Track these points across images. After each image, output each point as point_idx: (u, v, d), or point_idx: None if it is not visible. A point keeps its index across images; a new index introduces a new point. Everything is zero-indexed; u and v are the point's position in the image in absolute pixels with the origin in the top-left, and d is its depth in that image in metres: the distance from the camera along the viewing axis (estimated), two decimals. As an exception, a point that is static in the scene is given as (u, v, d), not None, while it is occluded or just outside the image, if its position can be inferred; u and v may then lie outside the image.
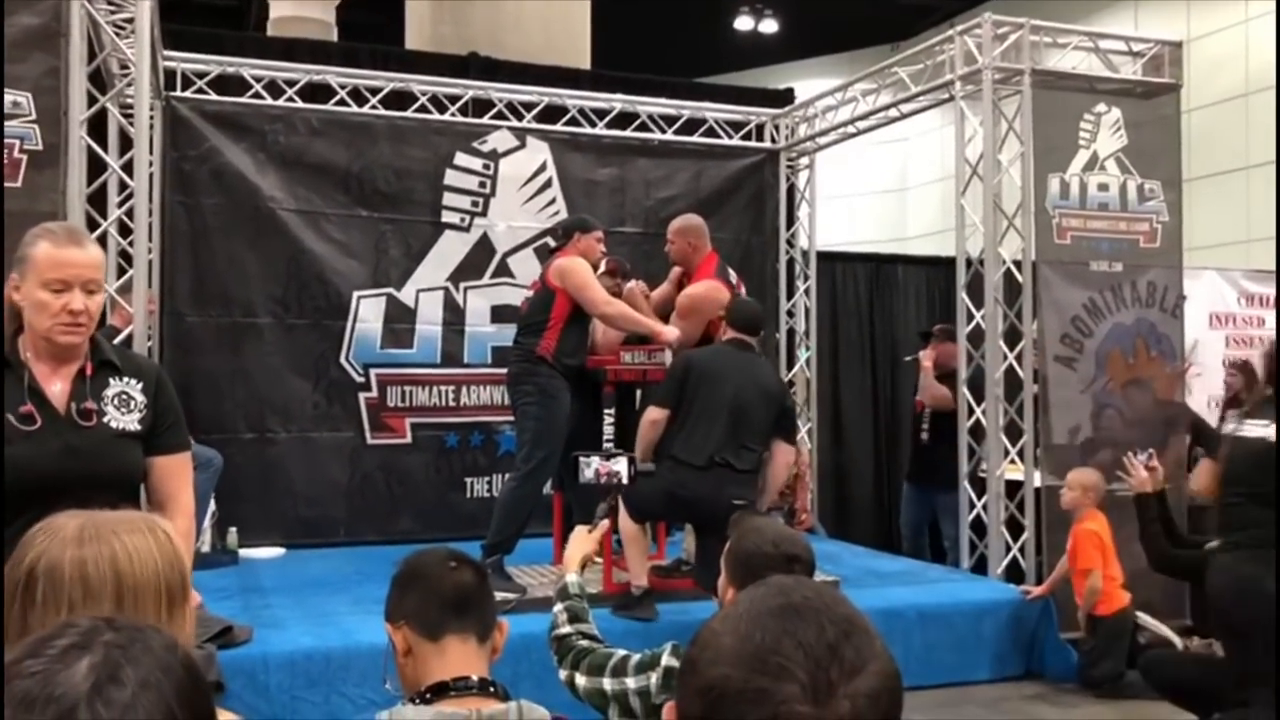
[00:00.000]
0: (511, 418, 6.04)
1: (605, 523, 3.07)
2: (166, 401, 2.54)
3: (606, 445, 5.47)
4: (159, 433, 2.50)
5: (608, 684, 2.31)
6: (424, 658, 1.73)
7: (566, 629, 2.53)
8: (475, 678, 1.70)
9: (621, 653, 2.37)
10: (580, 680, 2.35)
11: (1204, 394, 8.46)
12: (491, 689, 1.71)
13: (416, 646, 1.74)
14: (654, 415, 4.86)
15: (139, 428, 2.44)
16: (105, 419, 2.39)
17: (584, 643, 2.47)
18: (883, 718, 0.84)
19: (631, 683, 2.29)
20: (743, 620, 0.88)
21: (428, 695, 1.69)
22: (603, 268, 5.68)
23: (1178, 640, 5.33)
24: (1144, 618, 5.28)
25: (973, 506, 6.13)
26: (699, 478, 4.63)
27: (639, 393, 5.81)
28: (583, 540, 2.82)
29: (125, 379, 2.46)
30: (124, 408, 2.43)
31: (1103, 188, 6.12)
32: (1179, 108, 6.41)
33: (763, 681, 0.83)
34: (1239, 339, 8.94)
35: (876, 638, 0.87)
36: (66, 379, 2.39)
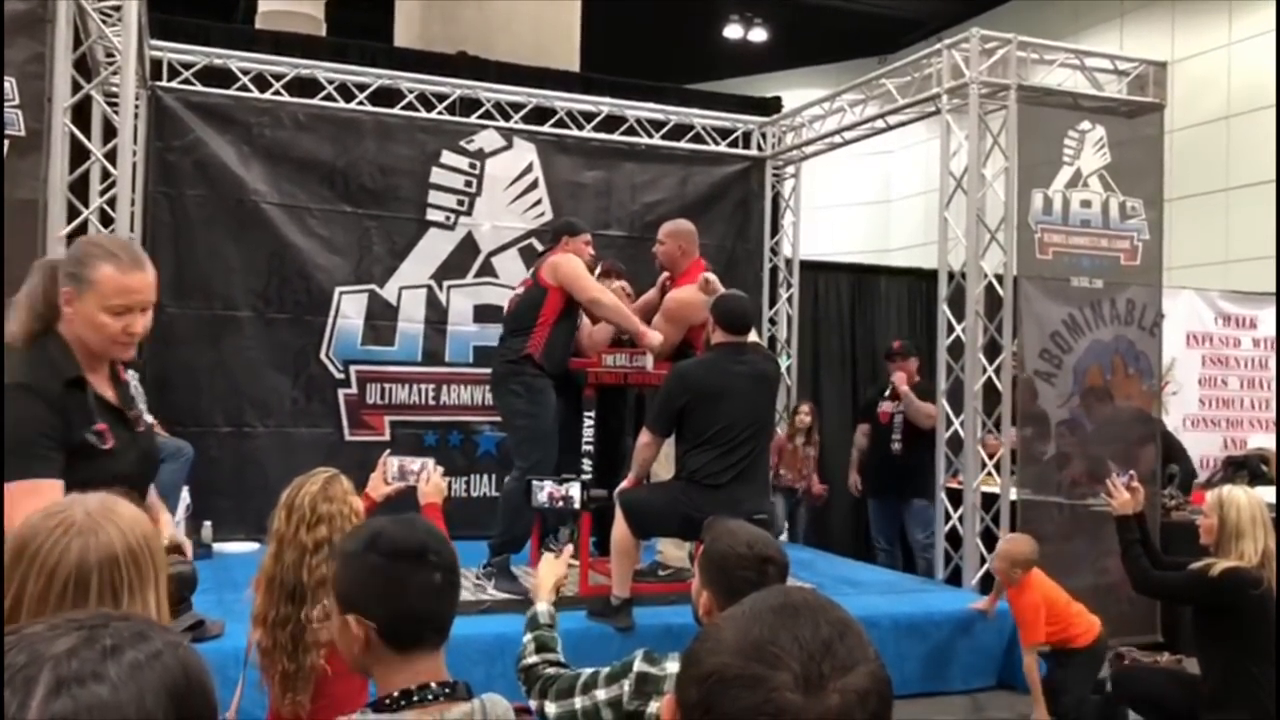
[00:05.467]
0: (491, 418, 6.03)
1: (570, 547, 3.10)
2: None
3: (586, 448, 5.47)
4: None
5: (579, 702, 2.31)
6: (385, 660, 1.70)
7: (533, 659, 2.53)
8: (435, 684, 1.68)
9: (589, 670, 2.37)
10: (551, 709, 2.36)
11: (1179, 413, 8.54)
12: (452, 689, 1.69)
13: (378, 649, 1.69)
14: (646, 439, 4.72)
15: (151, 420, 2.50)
16: (144, 417, 2.45)
17: (550, 670, 2.47)
18: (870, 716, 0.88)
19: (602, 694, 2.29)
20: (744, 617, 0.93)
21: (391, 703, 1.67)
22: (598, 270, 5.71)
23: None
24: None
25: (948, 518, 6.15)
26: (714, 499, 4.37)
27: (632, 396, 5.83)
28: (553, 567, 2.83)
29: (129, 371, 2.51)
30: (141, 401, 2.50)
31: (1085, 204, 6.17)
32: (1162, 127, 6.48)
33: (758, 669, 0.87)
34: (1215, 359, 9.03)
35: (869, 643, 0.92)
36: (109, 385, 2.35)
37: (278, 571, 2.64)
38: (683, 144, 7.88)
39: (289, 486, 2.73)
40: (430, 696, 1.66)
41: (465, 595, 1.84)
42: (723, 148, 8.02)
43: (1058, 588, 4.97)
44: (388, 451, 3.36)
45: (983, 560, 5.92)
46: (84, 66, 5.08)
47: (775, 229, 8.25)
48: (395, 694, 1.67)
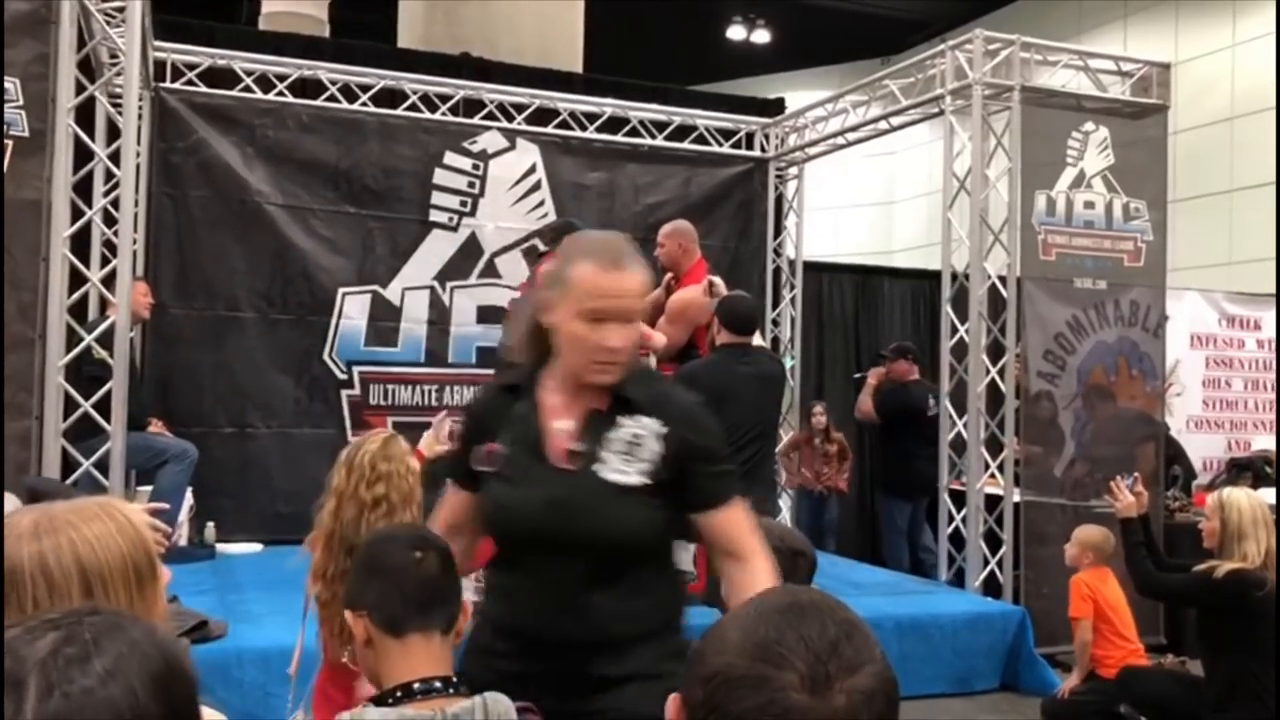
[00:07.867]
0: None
1: None
2: (703, 445, 1.98)
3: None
4: (699, 486, 1.97)
5: None
6: (385, 652, 1.71)
7: None
8: (439, 681, 1.68)
9: None
10: None
11: (1183, 414, 8.53)
12: (455, 685, 1.70)
13: (378, 639, 1.72)
14: None
15: (645, 481, 1.92)
16: (593, 466, 1.92)
17: None
18: (876, 718, 0.88)
19: None
20: (750, 617, 0.92)
21: (390, 699, 1.67)
22: None
23: None
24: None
25: (951, 519, 6.15)
26: None
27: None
28: None
29: (641, 418, 1.96)
30: (628, 454, 1.93)
31: (1089, 205, 6.17)
32: (1166, 129, 6.47)
33: (764, 669, 0.86)
34: (1219, 360, 9.02)
35: (876, 644, 0.92)
36: (578, 415, 1.97)
37: (336, 527, 2.66)
38: (686, 145, 7.87)
39: (348, 445, 2.80)
40: (432, 690, 1.66)
41: (468, 596, 1.82)
42: (726, 149, 8.02)
43: (1123, 604, 4.84)
44: (444, 413, 3.38)
45: (985, 562, 5.91)
46: (87, 67, 5.08)
47: (778, 230, 8.25)
48: (396, 687, 1.68)
